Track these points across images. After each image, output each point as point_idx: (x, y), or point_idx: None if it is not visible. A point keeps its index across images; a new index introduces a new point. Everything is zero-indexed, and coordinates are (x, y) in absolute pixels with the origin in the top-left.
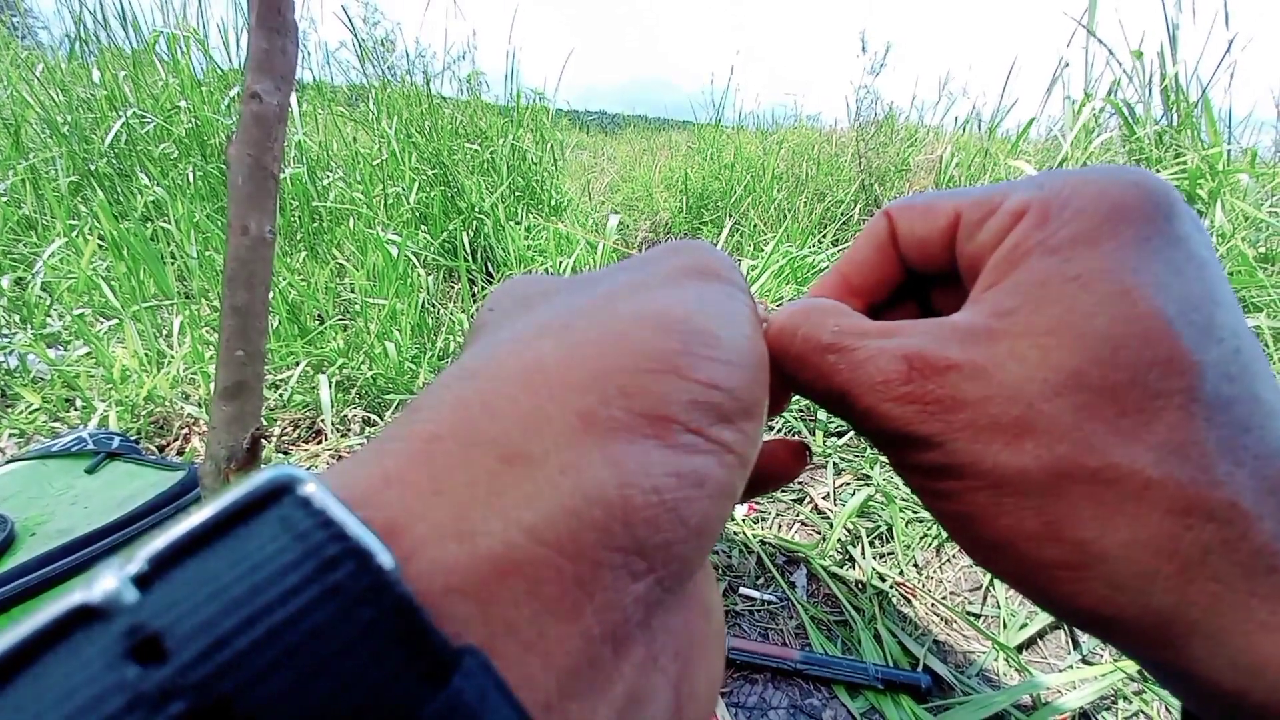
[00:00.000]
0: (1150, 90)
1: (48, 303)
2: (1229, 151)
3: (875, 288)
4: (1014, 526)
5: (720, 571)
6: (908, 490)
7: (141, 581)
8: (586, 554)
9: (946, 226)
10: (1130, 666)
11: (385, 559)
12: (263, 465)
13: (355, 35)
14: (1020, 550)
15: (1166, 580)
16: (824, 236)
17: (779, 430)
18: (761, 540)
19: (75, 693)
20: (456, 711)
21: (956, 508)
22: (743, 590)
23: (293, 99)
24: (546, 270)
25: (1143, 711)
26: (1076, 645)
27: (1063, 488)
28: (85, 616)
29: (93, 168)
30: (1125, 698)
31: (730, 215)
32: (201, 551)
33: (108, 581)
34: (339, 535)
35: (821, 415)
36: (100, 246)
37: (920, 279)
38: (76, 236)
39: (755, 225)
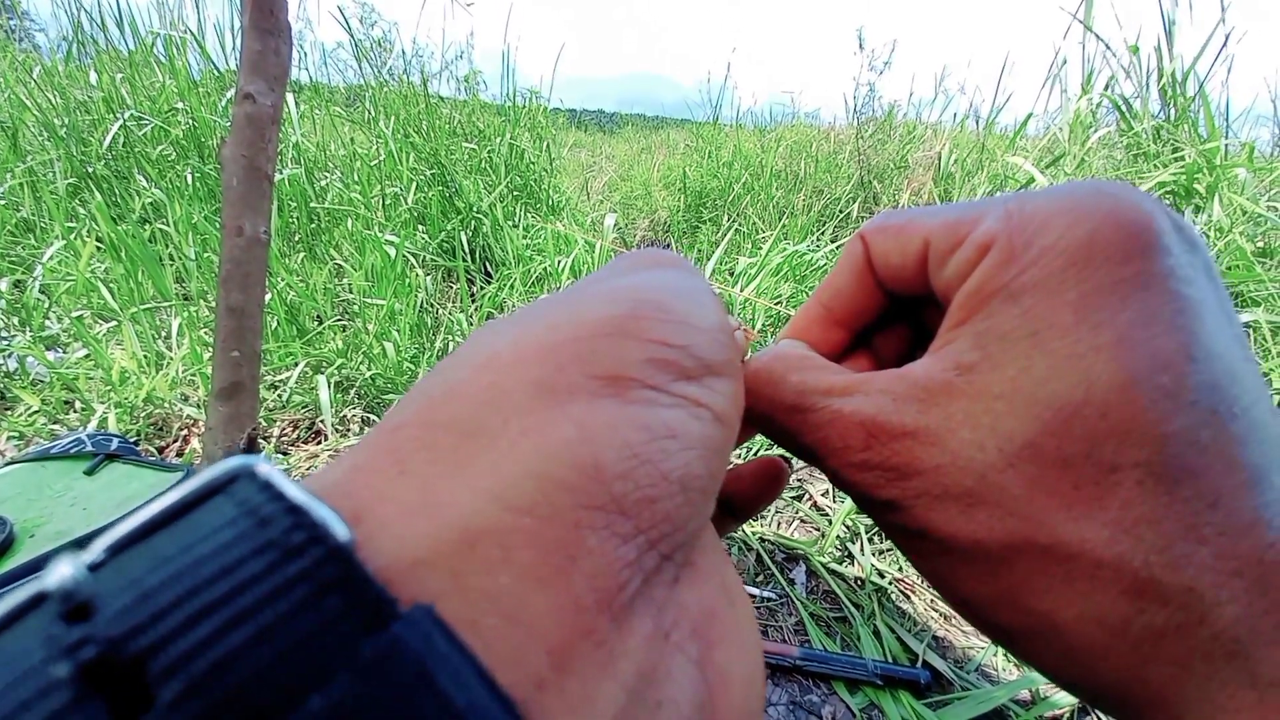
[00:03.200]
0: (1148, 85)
1: (46, 305)
2: (1226, 146)
3: (859, 316)
4: (975, 590)
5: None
6: None
7: (97, 568)
8: (562, 515)
9: (918, 254)
10: None
11: (329, 520)
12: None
13: (352, 36)
14: (982, 612)
15: (1120, 658)
16: (823, 233)
17: None
18: (761, 537)
19: (10, 654)
20: (397, 656)
21: (926, 566)
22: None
23: (289, 100)
24: (545, 270)
25: None
26: None
27: (1014, 559)
28: (40, 600)
29: (90, 170)
30: None
31: (729, 213)
32: (156, 535)
33: (63, 569)
34: (282, 502)
35: None
36: (98, 249)
37: (906, 301)
38: (75, 239)
39: (754, 223)
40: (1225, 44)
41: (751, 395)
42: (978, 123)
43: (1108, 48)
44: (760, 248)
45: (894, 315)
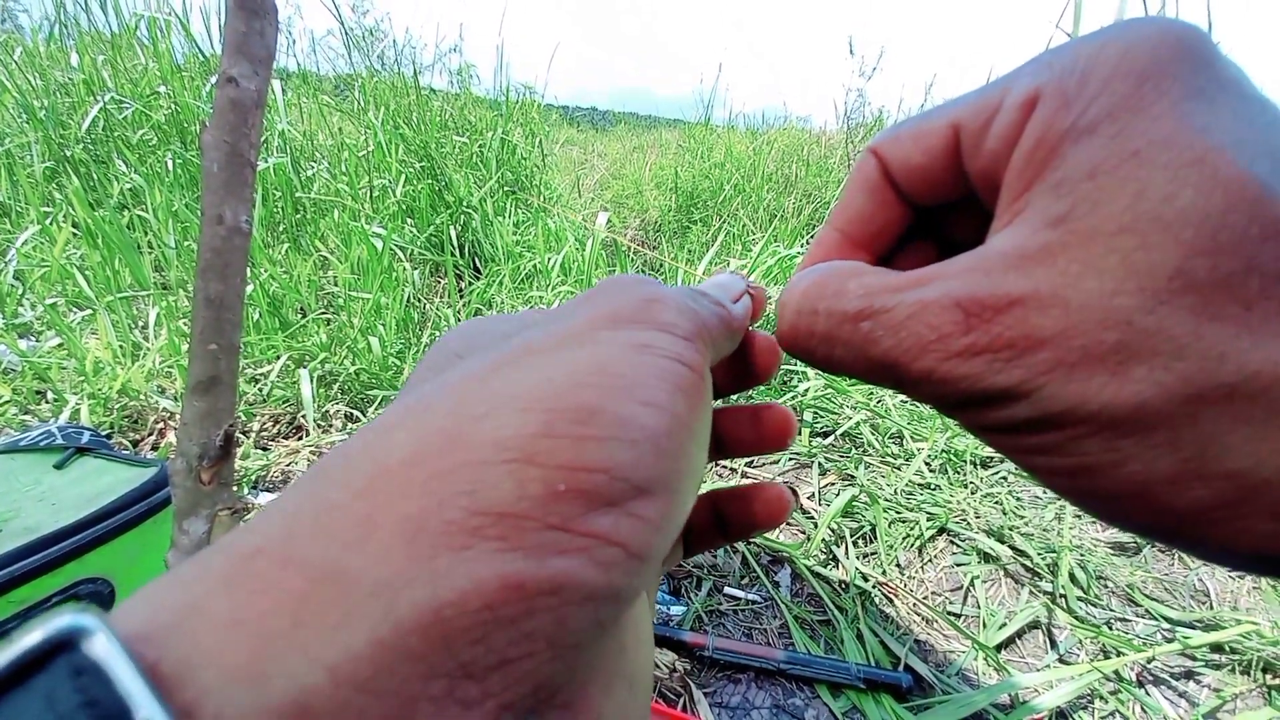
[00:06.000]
0: None
1: (19, 292)
2: None
3: (879, 236)
4: (1143, 472)
5: (705, 571)
6: (891, 491)
7: None
8: (398, 690)
9: (945, 145)
10: (1107, 666)
11: None
12: (238, 462)
13: (342, 23)
14: (1156, 499)
15: None
16: (813, 236)
17: None
18: (747, 539)
19: None
20: None
21: (1063, 463)
22: (727, 590)
23: (276, 86)
24: (535, 267)
25: (1119, 711)
26: (1054, 645)
27: (1197, 414)
28: None
29: (68, 154)
30: (1102, 697)
31: (719, 214)
32: None
33: None
34: (96, 709)
35: (806, 415)
36: (74, 234)
37: (929, 213)
38: (50, 224)
39: (744, 225)
40: None
41: (802, 320)
42: None
43: None
44: (751, 250)
45: (915, 232)
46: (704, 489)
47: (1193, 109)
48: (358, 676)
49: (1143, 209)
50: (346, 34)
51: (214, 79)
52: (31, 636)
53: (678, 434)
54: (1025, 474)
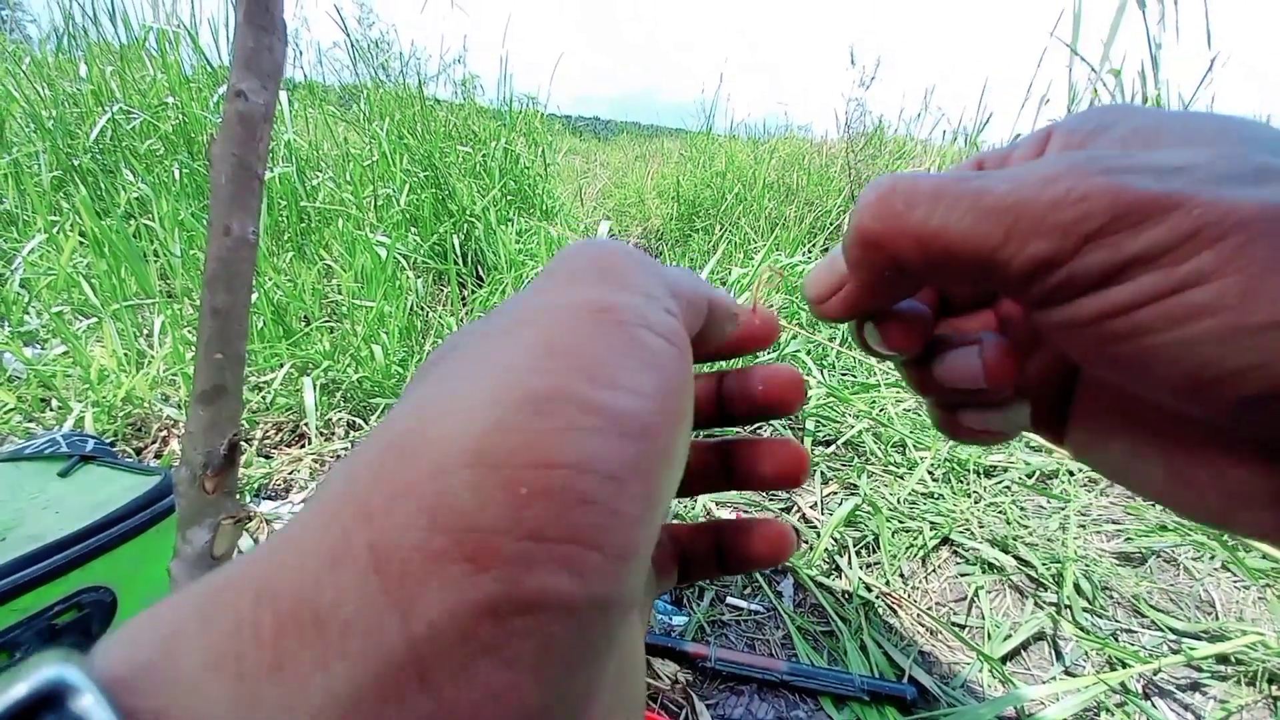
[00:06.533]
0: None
1: (26, 300)
2: None
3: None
4: None
5: (707, 581)
6: (894, 500)
7: None
8: None
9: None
10: (1112, 678)
11: None
12: (241, 470)
13: (349, 35)
14: None
15: None
16: (814, 245)
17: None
18: (745, 573)
19: None
20: None
21: (1219, 289)
22: (730, 600)
23: (283, 97)
24: (537, 274)
25: None
26: (1059, 657)
27: None
28: None
29: (76, 163)
30: (1108, 710)
31: (721, 223)
32: None
33: None
34: None
35: (809, 424)
36: (81, 243)
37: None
38: (57, 233)
39: (746, 233)
40: (1210, 68)
41: (902, 184)
42: (965, 140)
43: (1093, 69)
44: (752, 258)
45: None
46: (706, 514)
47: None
48: None
49: (1194, 123)
50: (352, 45)
51: (222, 90)
52: (16, 689)
53: (646, 413)
54: (1137, 366)
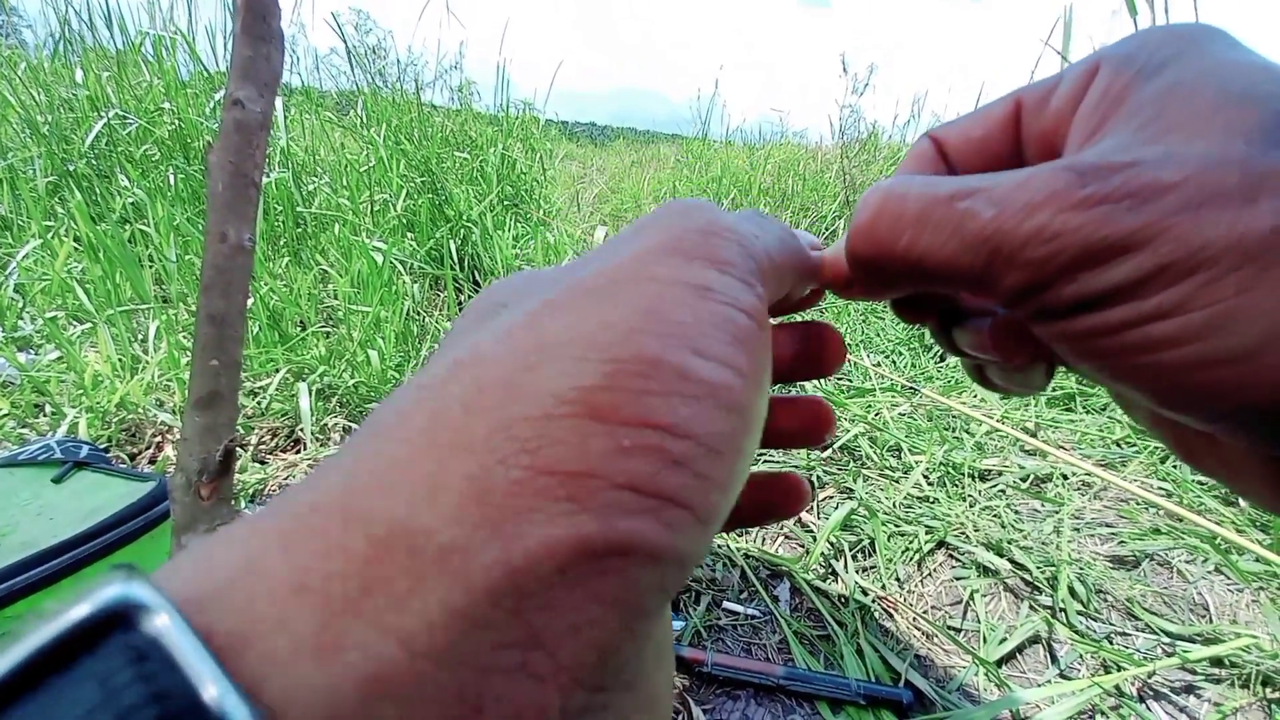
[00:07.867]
0: None
1: (20, 305)
2: None
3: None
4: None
5: (704, 585)
6: (890, 504)
7: None
8: (470, 660)
9: (1005, 116)
10: (1107, 681)
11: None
12: (236, 476)
13: (346, 42)
14: None
15: None
16: None
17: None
18: (745, 554)
19: None
20: None
21: (1180, 324)
22: (726, 604)
23: (279, 103)
24: None
25: None
26: (1055, 660)
27: None
28: None
29: (71, 168)
30: (1103, 713)
31: None
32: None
33: None
34: (150, 684)
35: None
36: (76, 248)
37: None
38: (52, 238)
39: None
40: None
41: (891, 203)
42: None
43: None
44: None
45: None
46: None
47: (1235, 45)
48: (433, 648)
49: (1232, 90)
50: (350, 52)
51: (218, 95)
52: (77, 609)
53: (739, 388)
54: (1119, 377)
